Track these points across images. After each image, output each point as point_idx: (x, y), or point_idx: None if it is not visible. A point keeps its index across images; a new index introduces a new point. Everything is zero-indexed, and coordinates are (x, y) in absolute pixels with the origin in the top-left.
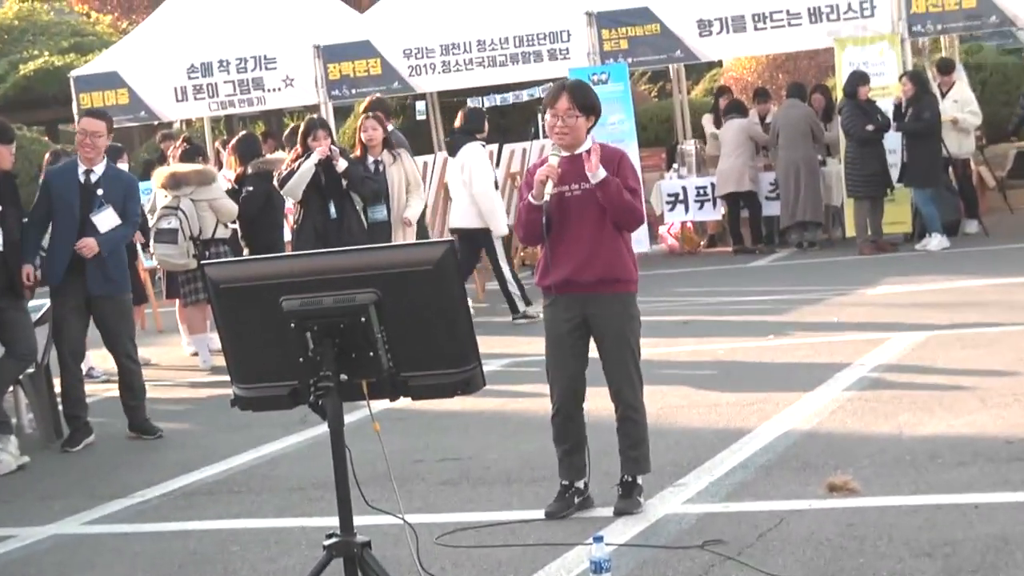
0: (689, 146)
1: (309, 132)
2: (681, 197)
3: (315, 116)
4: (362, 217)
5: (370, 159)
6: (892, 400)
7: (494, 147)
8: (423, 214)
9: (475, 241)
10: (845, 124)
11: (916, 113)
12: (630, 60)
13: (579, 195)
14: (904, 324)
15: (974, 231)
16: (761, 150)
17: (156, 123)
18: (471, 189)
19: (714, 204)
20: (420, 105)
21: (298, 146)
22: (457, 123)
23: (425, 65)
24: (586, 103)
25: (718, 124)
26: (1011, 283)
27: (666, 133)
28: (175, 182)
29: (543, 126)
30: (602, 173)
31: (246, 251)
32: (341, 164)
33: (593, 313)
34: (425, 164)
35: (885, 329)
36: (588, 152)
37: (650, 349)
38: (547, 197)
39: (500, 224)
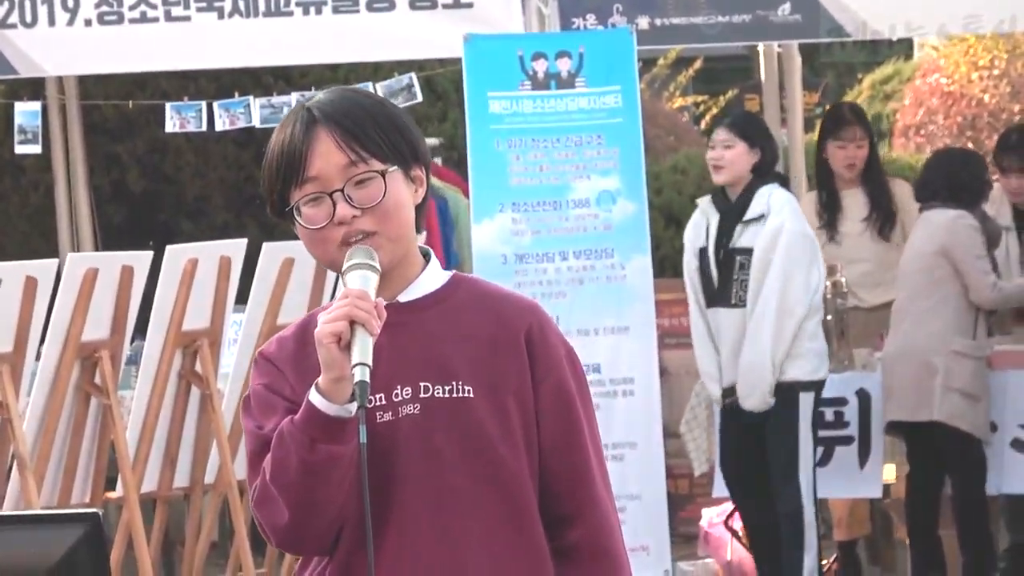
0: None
1: None
2: None
3: None
4: None
5: None
6: None
7: (234, 248)
8: None
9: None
10: None
11: None
12: (641, 22)
13: (420, 417)
14: None
15: None
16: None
17: None
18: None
19: (863, 454)
20: (22, 114)
21: None
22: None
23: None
24: (374, 133)
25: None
26: None
27: None
28: None
29: None
30: None
31: None
32: None
33: None
34: (31, 283)
35: None
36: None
37: None
38: (349, 404)
39: None
